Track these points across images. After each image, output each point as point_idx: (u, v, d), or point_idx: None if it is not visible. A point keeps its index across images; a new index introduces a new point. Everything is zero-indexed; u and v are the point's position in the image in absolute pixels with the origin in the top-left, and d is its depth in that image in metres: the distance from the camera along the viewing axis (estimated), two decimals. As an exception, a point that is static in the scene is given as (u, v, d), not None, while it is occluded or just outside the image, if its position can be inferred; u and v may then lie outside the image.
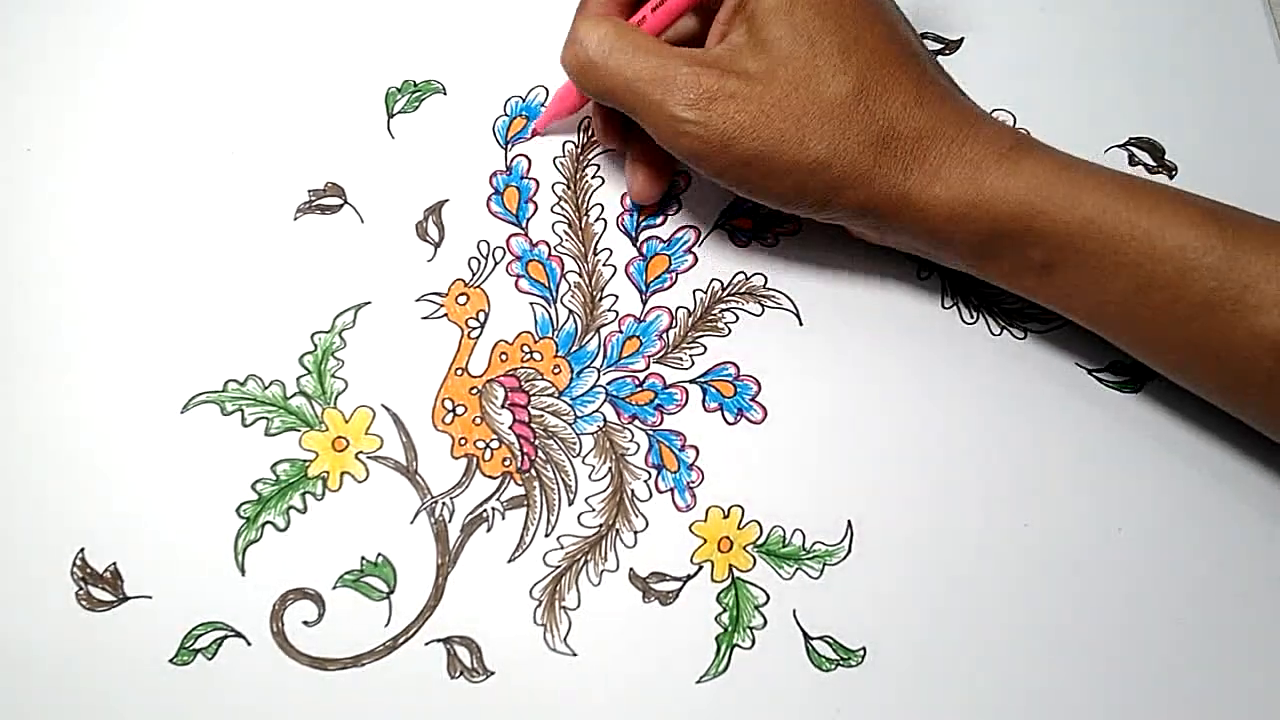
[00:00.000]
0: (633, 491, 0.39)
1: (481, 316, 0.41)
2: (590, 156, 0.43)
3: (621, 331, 0.41)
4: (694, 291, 0.42)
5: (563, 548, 0.39)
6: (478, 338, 0.41)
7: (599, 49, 0.36)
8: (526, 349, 0.41)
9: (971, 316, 0.41)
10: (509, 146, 0.43)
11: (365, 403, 0.40)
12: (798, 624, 0.38)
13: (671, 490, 0.39)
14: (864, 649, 0.38)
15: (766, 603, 0.38)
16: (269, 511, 0.39)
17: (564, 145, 0.43)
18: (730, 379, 0.41)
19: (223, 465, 0.39)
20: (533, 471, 0.39)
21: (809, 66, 0.35)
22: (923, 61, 0.37)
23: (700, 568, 0.39)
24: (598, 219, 0.42)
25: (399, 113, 0.43)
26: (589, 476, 0.40)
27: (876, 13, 0.36)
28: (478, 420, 0.40)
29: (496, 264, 0.42)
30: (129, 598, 0.38)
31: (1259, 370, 0.34)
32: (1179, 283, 0.34)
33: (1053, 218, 0.35)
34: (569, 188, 0.43)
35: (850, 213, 0.37)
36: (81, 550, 0.38)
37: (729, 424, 0.40)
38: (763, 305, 0.41)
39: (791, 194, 0.36)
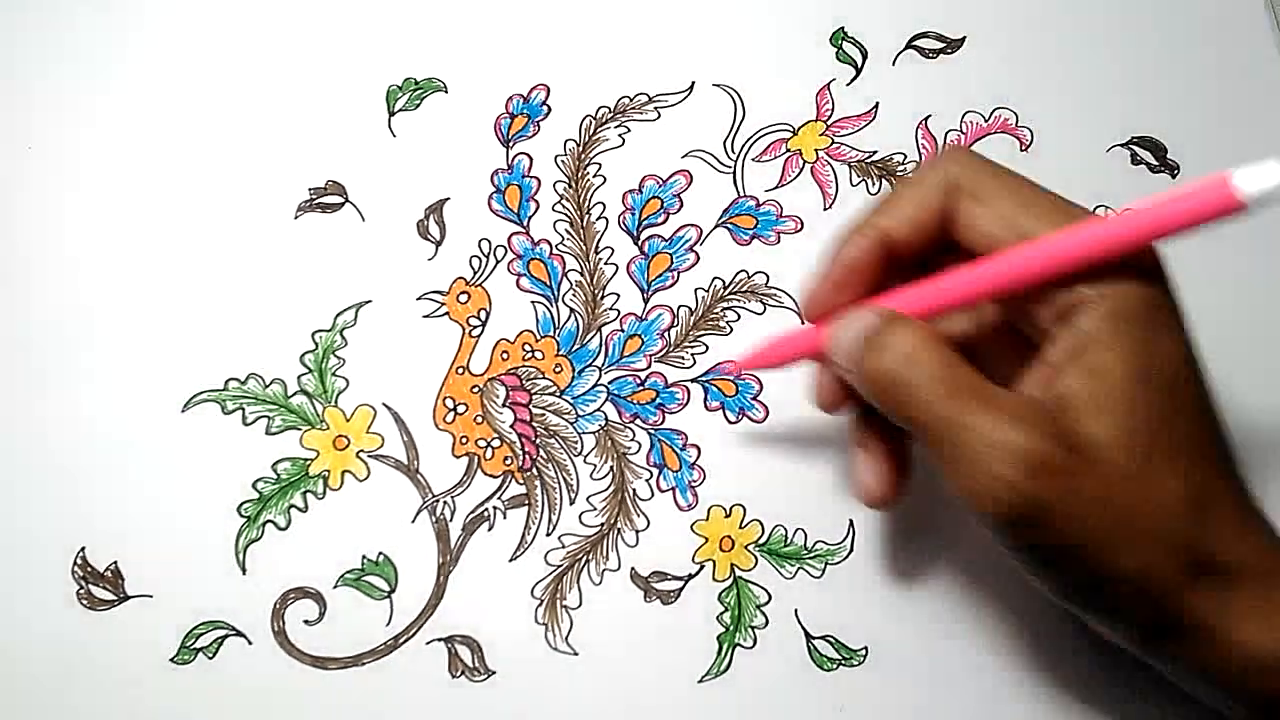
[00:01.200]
0: (634, 490, 0.39)
1: (483, 315, 0.41)
2: (592, 155, 0.43)
3: (623, 330, 0.41)
4: (696, 290, 0.41)
5: (564, 547, 0.39)
6: (479, 336, 0.41)
7: (918, 374, 0.30)
8: (528, 348, 0.41)
9: (973, 315, 0.41)
10: (510, 144, 0.43)
11: (366, 401, 0.40)
12: (799, 623, 0.38)
13: (673, 489, 0.39)
14: (866, 648, 0.38)
15: (768, 602, 0.38)
16: (270, 510, 0.39)
17: (565, 143, 0.43)
18: (732, 378, 0.40)
19: (224, 464, 0.39)
20: (534, 470, 0.39)
21: (1148, 459, 0.29)
22: (1239, 473, 0.31)
23: (702, 567, 0.39)
24: (599, 217, 0.42)
25: (400, 110, 0.43)
26: (590, 475, 0.39)
27: (1212, 411, 0.31)
28: (479, 419, 0.40)
29: (498, 262, 0.42)
30: (130, 596, 0.38)
31: None
32: None
33: None
34: (570, 186, 0.43)
35: (1135, 628, 0.31)
36: (82, 549, 0.38)
37: (731, 423, 0.40)
38: (764, 304, 0.41)
39: (1084, 592, 0.31)
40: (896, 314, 0.32)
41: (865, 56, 0.44)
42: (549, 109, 0.43)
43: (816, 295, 0.34)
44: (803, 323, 0.39)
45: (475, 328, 0.41)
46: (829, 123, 0.43)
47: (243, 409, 0.40)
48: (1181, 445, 0.30)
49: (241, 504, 0.39)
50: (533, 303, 0.41)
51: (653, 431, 0.40)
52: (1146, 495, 0.29)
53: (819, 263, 0.34)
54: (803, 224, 0.42)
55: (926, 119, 0.43)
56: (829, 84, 0.43)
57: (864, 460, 0.35)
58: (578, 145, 0.43)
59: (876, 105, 0.43)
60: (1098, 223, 0.30)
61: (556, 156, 0.43)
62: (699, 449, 0.40)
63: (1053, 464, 0.29)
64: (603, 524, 0.39)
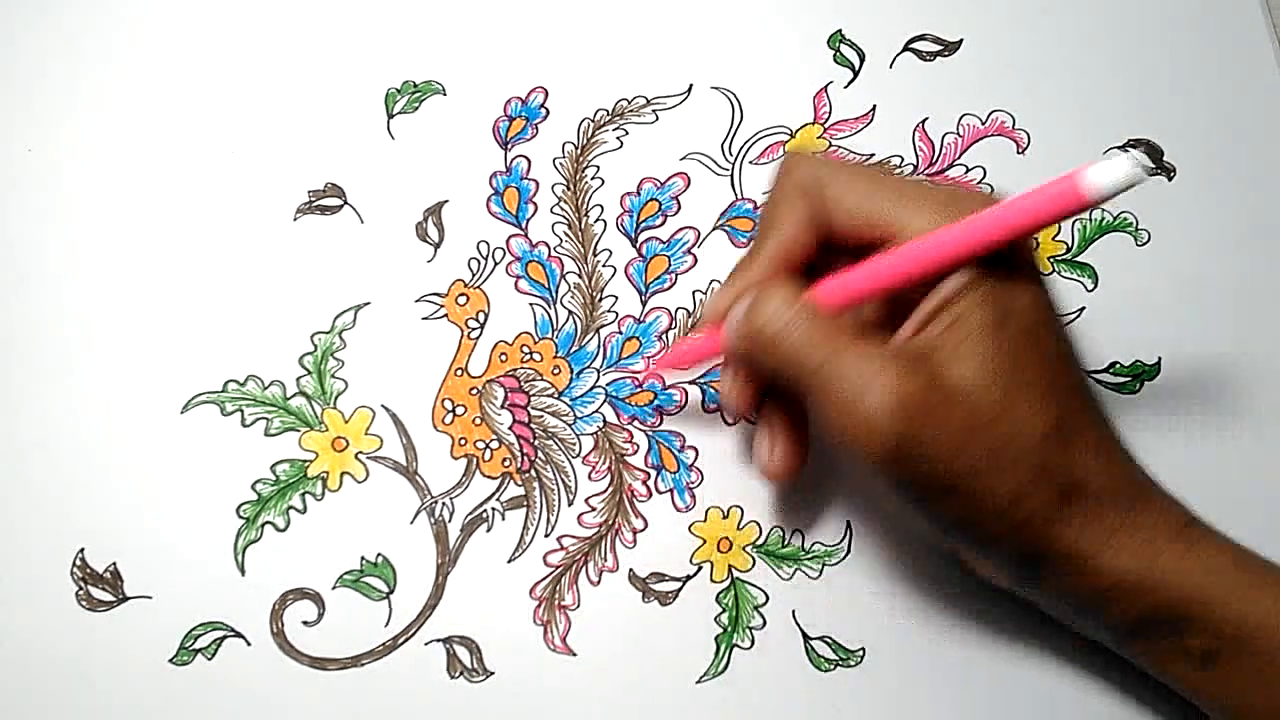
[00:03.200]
0: (632, 492, 0.39)
1: (481, 317, 0.41)
2: (590, 158, 0.43)
3: (621, 332, 0.41)
4: (693, 292, 0.42)
5: (562, 548, 0.39)
6: (477, 338, 0.41)
7: (789, 326, 0.33)
8: (526, 349, 0.41)
9: (970, 317, 0.41)
10: (509, 147, 0.43)
11: (365, 403, 0.40)
12: (797, 624, 0.38)
13: (671, 491, 0.39)
14: (863, 649, 0.38)
15: (766, 603, 0.38)
16: (269, 511, 0.39)
17: (564, 146, 0.43)
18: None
19: (222, 465, 0.39)
20: (532, 472, 0.40)
21: (1010, 396, 0.32)
22: (1100, 410, 0.34)
23: (700, 568, 0.39)
24: (597, 220, 0.42)
25: (399, 113, 0.43)
26: (588, 477, 0.40)
27: (1070, 355, 0.33)
28: (477, 420, 0.40)
29: (496, 265, 0.42)
30: (129, 598, 0.38)
31: None
32: None
33: (1226, 607, 0.32)
34: (569, 189, 0.43)
35: (1008, 559, 0.33)
36: (81, 550, 0.38)
37: (728, 425, 0.40)
38: (762, 306, 0.41)
39: (962, 525, 0.33)
40: (772, 283, 0.34)
41: (863, 59, 0.44)
42: (547, 112, 0.43)
43: (717, 303, 0.36)
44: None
45: (474, 330, 0.41)
46: (826, 125, 0.43)
47: (242, 411, 0.40)
48: (1040, 382, 0.32)
49: (240, 505, 0.39)
50: (531, 305, 0.41)
51: (651, 433, 0.40)
52: (1011, 428, 0.32)
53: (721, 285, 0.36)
54: (800, 226, 0.42)
55: (924, 121, 0.43)
56: (826, 86, 0.44)
57: (766, 438, 0.37)
58: (576, 148, 0.43)
59: (874, 108, 0.43)
60: (967, 225, 0.32)
61: (555, 159, 0.43)
62: (697, 450, 0.40)
63: (921, 401, 0.31)
64: (601, 525, 0.39)
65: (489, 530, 0.39)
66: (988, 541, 0.33)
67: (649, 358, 0.41)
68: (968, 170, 0.43)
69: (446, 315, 0.41)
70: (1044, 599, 0.35)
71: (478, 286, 0.41)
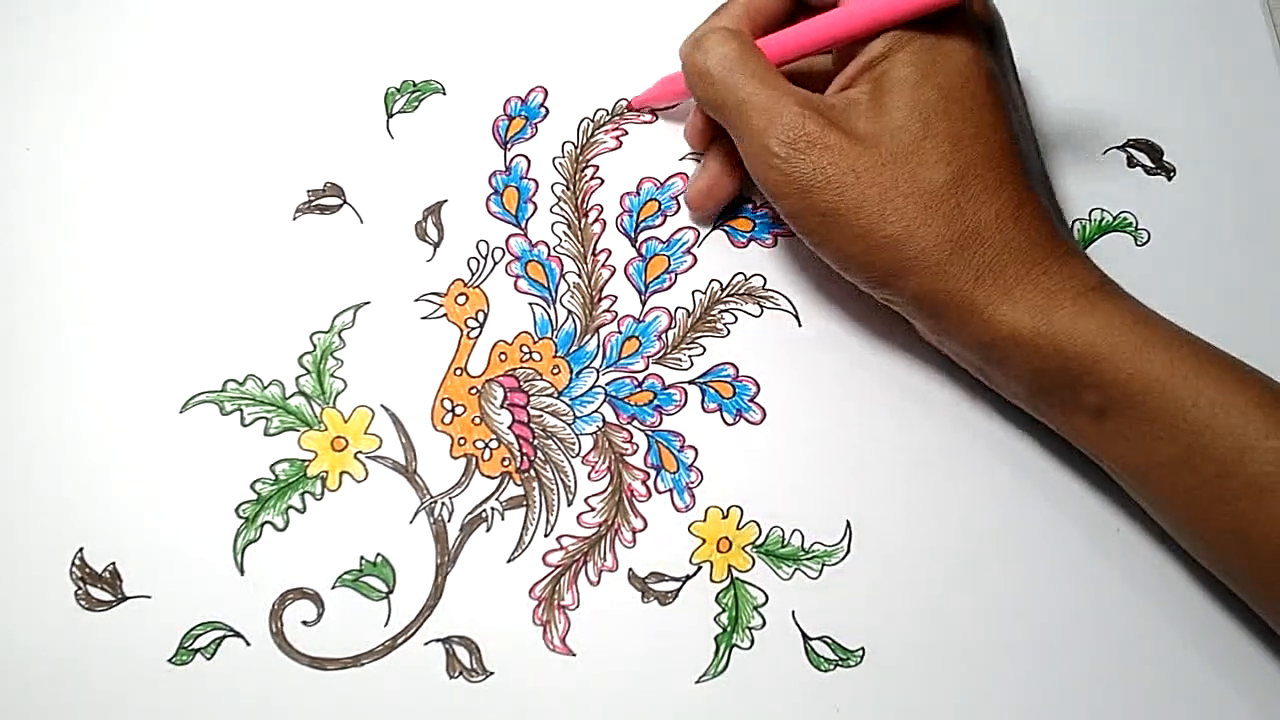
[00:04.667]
0: (632, 491, 0.39)
1: (481, 316, 0.41)
2: (590, 157, 0.43)
3: (620, 332, 0.41)
4: (693, 292, 0.42)
5: (562, 548, 0.39)
6: (477, 338, 0.41)
7: (720, 63, 0.36)
8: (526, 349, 0.41)
9: (970, 317, 0.41)
10: (508, 147, 0.43)
11: (364, 403, 0.40)
12: (796, 624, 0.38)
13: (670, 491, 0.39)
14: (863, 649, 0.38)
15: (765, 603, 0.38)
16: (268, 511, 0.39)
17: (563, 146, 0.43)
18: (729, 380, 0.41)
19: (222, 465, 0.39)
20: (532, 471, 0.40)
21: (915, 145, 0.35)
22: (1031, 178, 0.36)
23: (699, 568, 0.39)
24: (597, 219, 0.42)
25: (398, 113, 0.43)
26: (588, 476, 0.40)
27: (1002, 119, 0.36)
28: (477, 420, 0.40)
29: (496, 264, 0.42)
30: (128, 597, 0.38)
31: None
32: (1233, 459, 0.33)
33: (1117, 366, 0.34)
34: (568, 188, 0.43)
35: (907, 300, 0.36)
36: (80, 550, 0.38)
37: (728, 424, 0.40)
38: (762, 306, 0.41)
39: (855, 261, 0.36)
40: (721, 27, 0.37)
41: (862, 59, 0.44)
42: (547, 111, 0.43)
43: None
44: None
45: (473, 329, 0.41)
46: (826, 125, 0.43)
47: (241, 410, 0.40)
48: (950, 137, 0.35)
49: (239, 505, 0.39)
50: (530, 304, 0.41)
51: (650, 433, 0.40)
52: (909, 172, 0.34)
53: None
54: (800, 226, 0.42)
55: (923, 121, 0.43)
56: (826, 86, 0.43)
57: (701, 166, 0.41)
58: (575, 147, 0.43)
59: (874, 107, 0.43)
60: None
61: (554, 159, 0.43)
62: (696, 450, 0.40)
63: (817, 140, 0.35)
64: (600, 525, 0.39)
65: (488, 530, 0.39)
66: (880, 281, 0.36)
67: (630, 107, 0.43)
68: (967, 170, 0.43)
69: (446, 315, 0.41)
70: (955, 350, 0.37)
71: (477, 286, 0.41)
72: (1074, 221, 0.42)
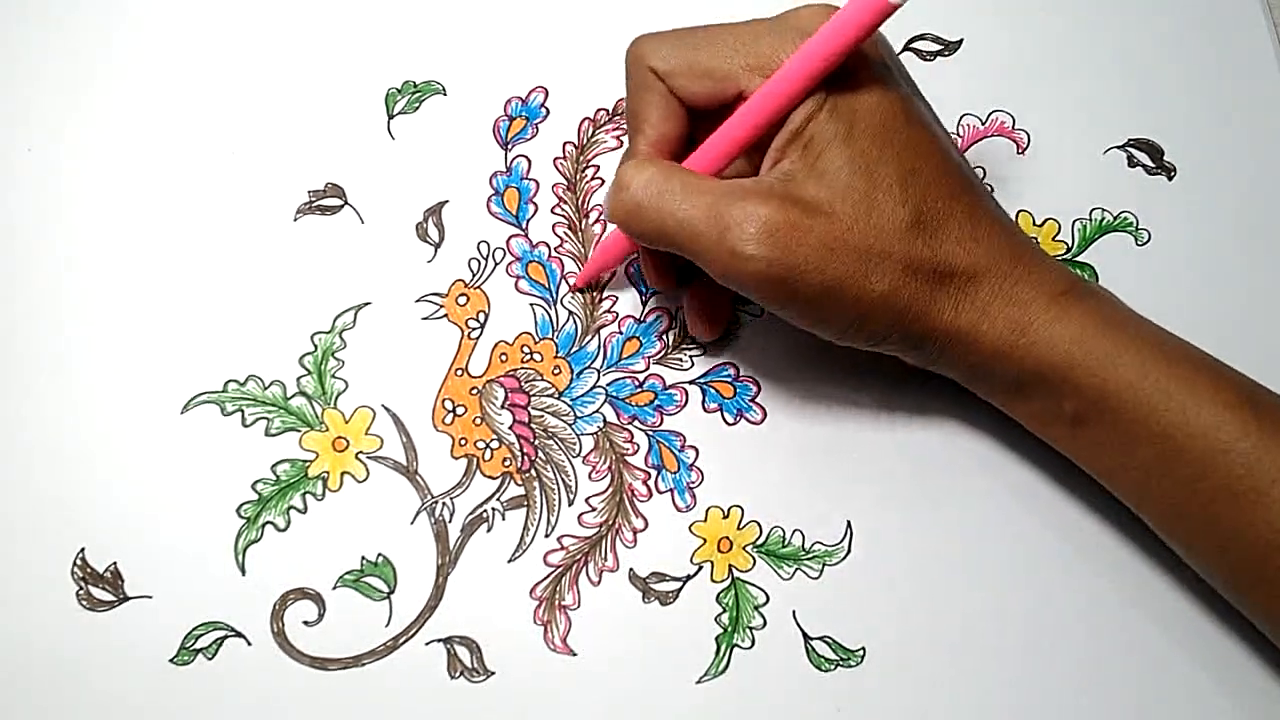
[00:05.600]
0: (633, 491, 0.39)
1: (481, 317, 0.41)
2: (590, 158, 0.43)
3: (621, 332, 0.41)
4: (694, 292, 0.42)
5: (563, 548, 0.39)
6: (478, 338, 0.41)
7: (646, 191, 0.35)
8: (526, 350, 0.41)
9: (971, 317, 0.41)
10: (509, 147, 0.43)
11: (365, 403, 0.40)
12: (797, 624, 0.38)
13: (671, 490, 0.39)
14: (863, 649, 0.38)
15: (766, 603, 0.38)
16: (269, 511, 0.39)
17: (564, 146, 0.43)
18: (730, 380, 0.41)
19: (223, 465, 0.39)
20: (533, 472, 0.40)
21: (868, 199, 0.34)
22: (977, 192, 0.36)
23: (700, 568, 0.39)
24: (597, 220, 0.42)
25: (399, 113, 0.43)
26: (589, 477, 0.40)
27: (932, 143, 0.35)
28: (478, 421, 0.40)
29: (496, 265, 0.42)
30: (129, 598, 0.38)
31: (1272, 566, 0.33)
32: (1206, 462, 0.33)
33: (1090, 372, 0.34)
34: (569, 189, 0.43)
35: (903, 345, 0.36)
36: (82, 550, 0.38)
37: (729, 425, 0.40)
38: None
39: (855, 327, 0.35)
40: (634, 159, 0.36)
41: (863, 59, 0.44)
42: (547, 111, 0.43)
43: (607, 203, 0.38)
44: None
45: (474, 330, 0.41)
46: (827, 125, 0.43)
47: (242, 411, 0.40)
48: (896, 178, 0.34)
49: (241, 505, 0.39)
50: (531, 305, 0.41)
51: (651, 433, 0.40)
52: (873, 229, 0.34)
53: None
54: (800, 226, 0.42)
55: (924, 121, 0.43)
56: (827, 87, 0.43)
57: (687, 307, 0.40)
58: (576, 148, 0.43)
59: (874, 108, 0.43)
60: (795, 61, 0.34)
61: (555, 159, 0.43)
62: (697, 450, 0.40)
63: (780, 224, 0.33)
64: (601, 525, 0.39)
65: (489, 530, 0.39)
66: (876, 337, 0.36)
67: (575, 284, 0.42)
68: (968, 170, 0.43)
69: (447, 315, 0.41)
70: (944, 371, 0.37)
71: (478, 286, 0.41)
72: (1074, 221, 0.42)
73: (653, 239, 0.35)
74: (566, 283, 0.41)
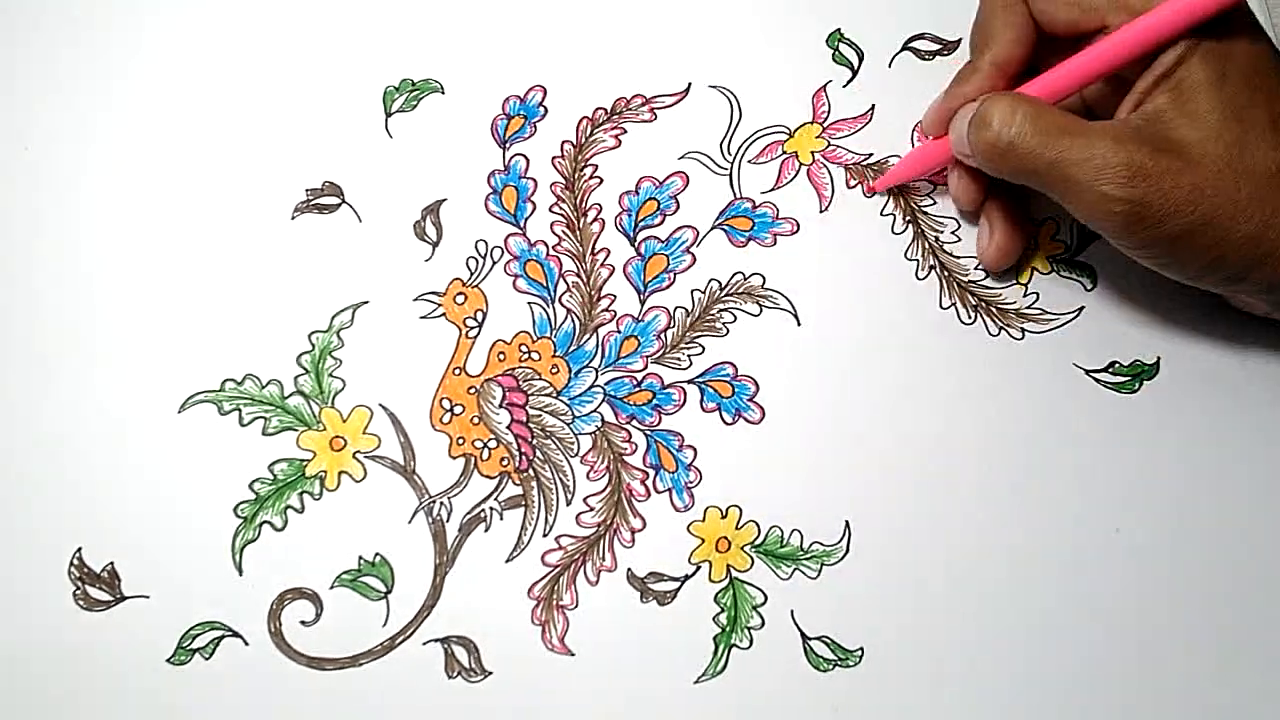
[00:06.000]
0: (631, 491, 0.39)
1: (479, 316, 0.41)
2: (588, 156, 0.43)
3: (619, 331, 0.41)
4: (692, 292, 0.42)
5: (561, 547, 0.39)
6: (476, 337, 0.41)
7: (1017, 131, 0.36)
8: (524, 349, 0.41)
9: (969, 317, 0.41)
10: (507, 146, 0.43)
11: (363, 402, 0.40)
12: (795, 624, 0.38)
13: (669, 490, 0.39)
14: (861, 649, 0.38)
15: (764, 603, 0.38)
16: (266, 511, 0.39)
17: (562, 145, 0.43)
18: (728, 379, 0.41)
19: (220, 465, 0.39)
20: (530, 471, 0.39)
21: (1239, 142, 0.34)
22: None
23: (698, 568, 0.39)
24: (595, 219, 0.42)
25: (397, 111, 0.43)
26: (587, 476, 0.40)
27: None
28: (475, 420, 0.40)
29: (494, 263, 0.42)
30: (126, 597, 0.38)
31: None
32: None
33: None
34: (567, 187, 0.43)
35: (1262, 286, 0.36)
36: (79, 550, 0.38)
37: (727, 424, 0.40)
38: (761, 305, 0.41)
39: (1210, 268, 0.36)
40: (993, 92, 0.37)
41: (861, 58, 0.44)
42: (546, 110, 0.43)
43: (938, 113, 0.40)
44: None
45: (472, 329, 0.41)
46: (825, 125, 0.43)
47: (239, 410, 0.40)
48: (1269, 125, 0.35)
49: (238, 505, 0.39)
50: (529, 304, 0.41)
51: (649, 432, 0.40)
52: (1242, 173, 0.34)
53: (938, 97, 0.40)
54: (799, 226, 0.42)
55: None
56: (825, 85, 0.43)
57: (986, 230, 0.41)
58: (574, 146, 0.43)
59: (873, 107, 0.43)
60: (1170, 6, 0.35)
61: (553, 158, 0.43)
62: (695, 450, 0.40)
63: (1150, 168, 0.34)
64: (599, 525, 0.39)
65: (487, 530, 0.39)
66: (1232, 280, 0.36)
67: (873, 185, 0.42)
68: (967, 169, 0.43)
69: (444, 314, 0.41)
70: None
71: (476, 285, 0.41)
72: (1073, 221, 0.42)
73: (1016, 175, 0.36)
74: (862, 185, 0.43)
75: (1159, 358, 0.41)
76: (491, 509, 0.39)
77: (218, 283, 0.41)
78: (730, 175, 0.43)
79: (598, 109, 0.43)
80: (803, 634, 0.38)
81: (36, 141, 0.43)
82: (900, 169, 0.42)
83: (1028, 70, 0.38)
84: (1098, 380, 0.41)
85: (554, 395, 0.40)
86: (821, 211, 0.42)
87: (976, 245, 0.41)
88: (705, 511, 0.39)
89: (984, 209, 0.41)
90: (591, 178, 0.43)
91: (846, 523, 0.39)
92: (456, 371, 0.40)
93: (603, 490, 0.39)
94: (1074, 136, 0.35)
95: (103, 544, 0.38)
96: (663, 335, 0.41)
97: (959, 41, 0.44)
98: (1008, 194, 0.40)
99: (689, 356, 0.41)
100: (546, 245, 0.42)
